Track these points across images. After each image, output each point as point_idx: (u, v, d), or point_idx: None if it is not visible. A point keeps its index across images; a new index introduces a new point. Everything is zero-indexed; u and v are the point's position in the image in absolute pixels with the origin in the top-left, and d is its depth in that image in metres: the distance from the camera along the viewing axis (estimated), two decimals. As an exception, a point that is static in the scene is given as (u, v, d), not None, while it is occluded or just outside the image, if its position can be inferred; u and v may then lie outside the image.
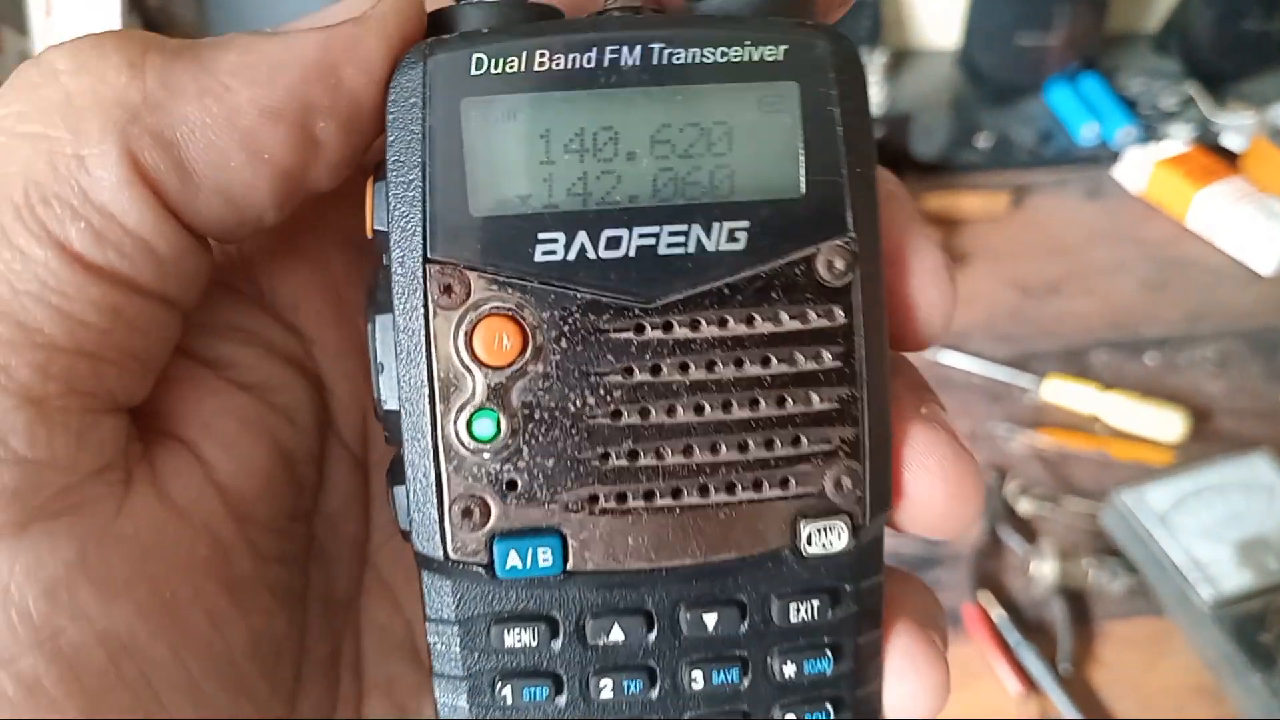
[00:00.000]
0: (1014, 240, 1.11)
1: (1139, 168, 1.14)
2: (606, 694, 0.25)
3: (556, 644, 0.25)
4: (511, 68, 0.24)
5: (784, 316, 0.25)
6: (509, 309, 0.24)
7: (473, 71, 0.24)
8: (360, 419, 0.29)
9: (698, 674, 0.26)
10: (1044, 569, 0.78)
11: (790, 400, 0.25)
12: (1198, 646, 0.75)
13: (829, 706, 0.26)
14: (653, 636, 0.25)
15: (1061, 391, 0.92)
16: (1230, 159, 1.15)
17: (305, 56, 0.23)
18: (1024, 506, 0.84)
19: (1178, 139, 1.17)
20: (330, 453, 0.29)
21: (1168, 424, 0.88)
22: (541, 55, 0.24)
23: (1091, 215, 1.14)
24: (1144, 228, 1.12)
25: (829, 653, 0.26)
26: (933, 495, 0.26)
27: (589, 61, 0.24)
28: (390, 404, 0.25)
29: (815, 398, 0.25)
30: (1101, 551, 0.80)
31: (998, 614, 0.77)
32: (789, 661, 0.26)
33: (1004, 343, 0.99)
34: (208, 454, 0.25)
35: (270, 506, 0.26)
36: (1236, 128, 1.17)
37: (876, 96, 1.16)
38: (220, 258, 0.27)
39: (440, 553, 0.24)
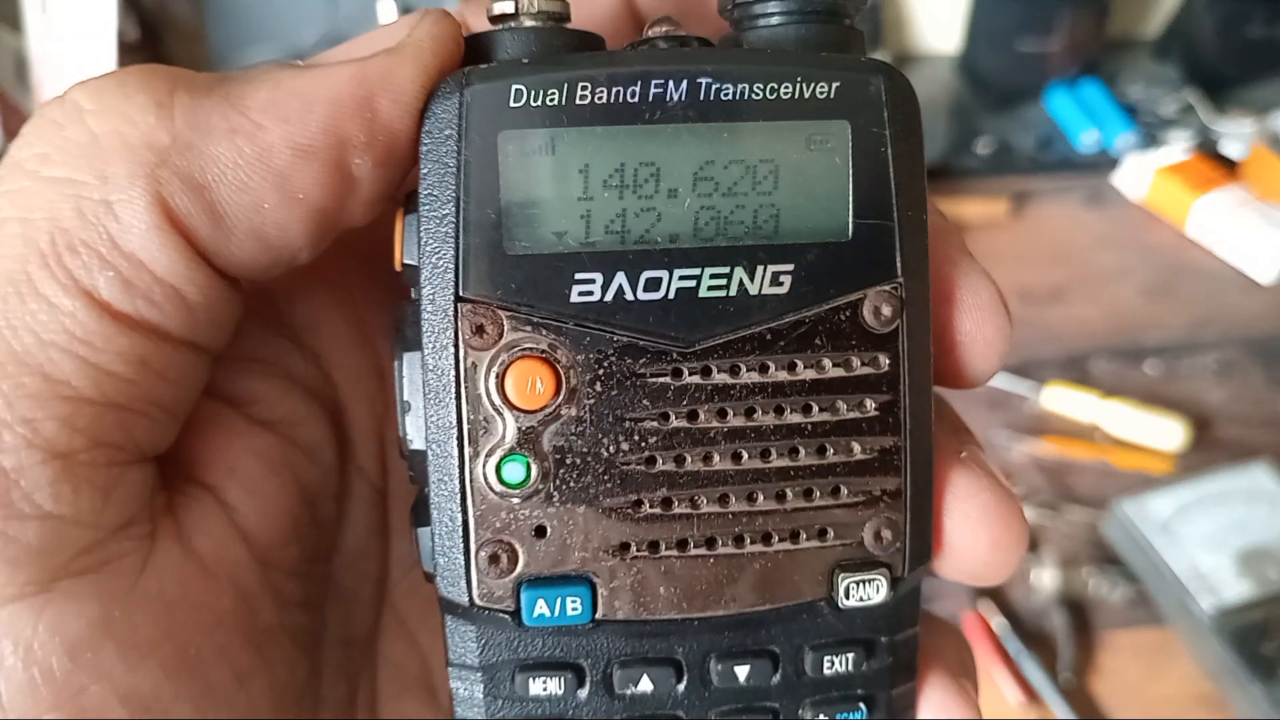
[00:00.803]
0: (1014, 247, 1.10)
1: (1139, 174, 1.14)
2: None
3: (583, 693, 0.24)
4: (552, 100, 0.23)
5: (827, 363, 0.24)
6: (543, 351, 0.23)
7: (511, 103, 0.23)
8: (379, 447, 0.28)
9: None
10: (1045, 578, 0.78)
11: (831, 449, 0.24)
12: (1199, 656, 0.74)
13: None
14: (682, 687, 0.24)
15: (1062, 399, 0.92)
16: (1230, 166, 1.14)
17: (339, 91, 0.22)
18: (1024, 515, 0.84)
19: (1177, 146, 1.17)
20: (351, 487, 0.28)
21: (1168, 432, 0.88)
22: (584, 88, 0.23)
23: (1091, 222, 1.14)
24: (1144, 235, 1.11)
25: (863, 706, 0.25)
26: (976, 543, 0.25)
27: (633, 96, 0.23)
28: (416, 444, 0.24)
29: (857, 447, 0.24)
30: (1102, 560, 0.80)
31: (998, 623, 0.77)
32: (822, 714, 0.25)
33: (1004, 349, 0.98)
34: (232, 499, 0.24)
35: (293, 550, 0.26)
36: (1236, 135, 1.17)
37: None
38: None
39: (466, 599, 0.24)
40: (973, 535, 0.25)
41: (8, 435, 0.20)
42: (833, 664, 0.25)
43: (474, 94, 0.23)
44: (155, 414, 0.22)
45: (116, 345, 0.21)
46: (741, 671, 0.24)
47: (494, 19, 0.24)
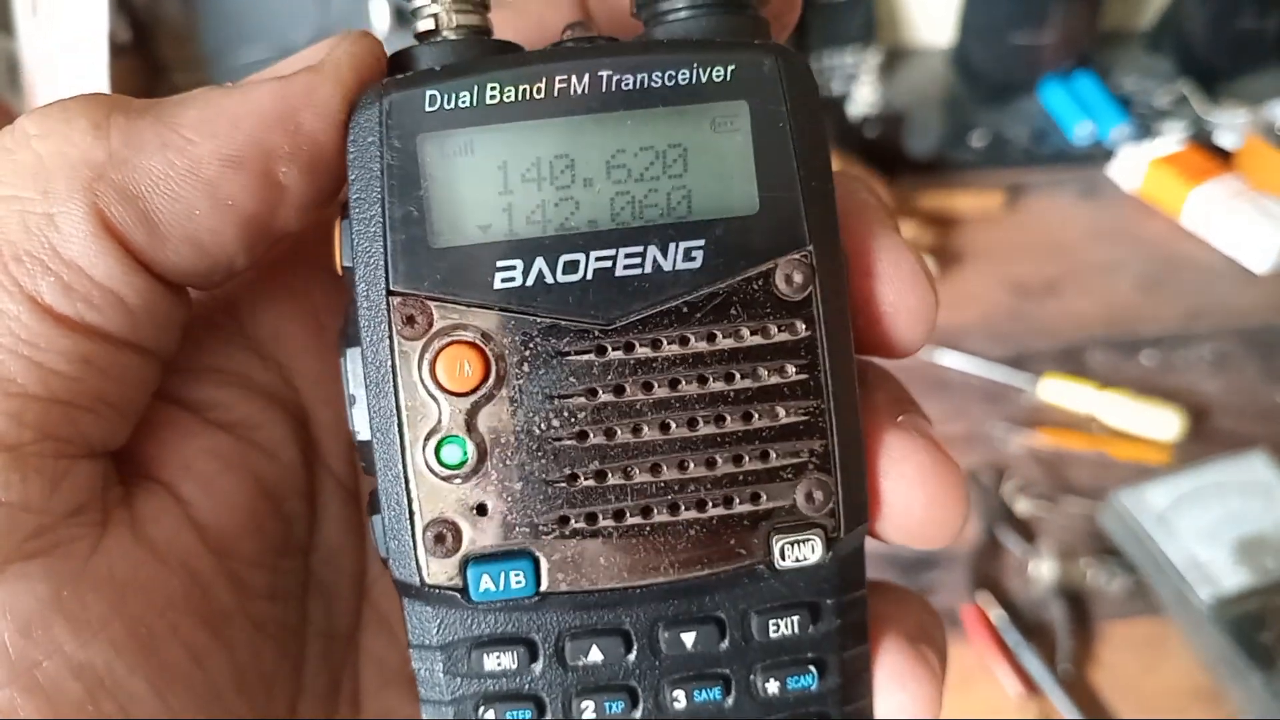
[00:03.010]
0: (1009, 239, 1.10)
1: (1133, 166, 1.14)
2: (589, 715, 0.25)
3: (537, 666, 0.25)
4: (464, 103, 0.24)
5: (745, 332, 0.25)
6: (470, 338, 0.24)
7: (427, 108, 0.24)
8: (348, 449, 0.29)
9: (680, 693, 0.26)
10: (1042, 569, 0.78)
11: (756, 415, 0.25)
12: (1197, 646, 0.74)
13: None
14: (632, 657, 0.25)
15: (1058, 391, 0.92)
16: (1224, 157, 1.14)
17: (263, 106, 0.23)
18: (1022, 507, 0.84)
19: (1171, 137, 1.17)
20: (321, 485, 0.29)
21: (1165, 423, 0.88)
22: (493, 89, 0.24)
23: (1086, 214, 1.14)
24: (1139, 226, 1.11)
25: (813, 668, 0.26)
26: (912, 503, 0.26)
27: (539, 92, 0.24)
28: (363, 435, 0.25)
29: (781, 411, 0.25)
30: (1100, 551, 0.80)
31: (997, 615, 0.77)
32: (772, 679, 0.26)
33: (1000, 342, 0.98)
34: (186, 494, 0.26)
35: (255, 543, 0.27)
36: (1230, 126, 1.17)
37: (870, 96, 1.16)
38: (202, 296, 0.28)
39: (416, 579, 0.25)
40: (909, 496, 0.26)
41: None
42: (778, 627, 0.25)
43: (392, 102, 0.24)
44: (102, 410, 0.24)
45: (60, 346, 0.22)
46: (689, 638, 0.25)
47: (418, 36, 0.26)
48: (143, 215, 0.23)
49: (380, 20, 0.97)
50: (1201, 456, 0.85)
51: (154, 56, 1.14)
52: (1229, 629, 0.72)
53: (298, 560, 0.28)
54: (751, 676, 0.26)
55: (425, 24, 0.25)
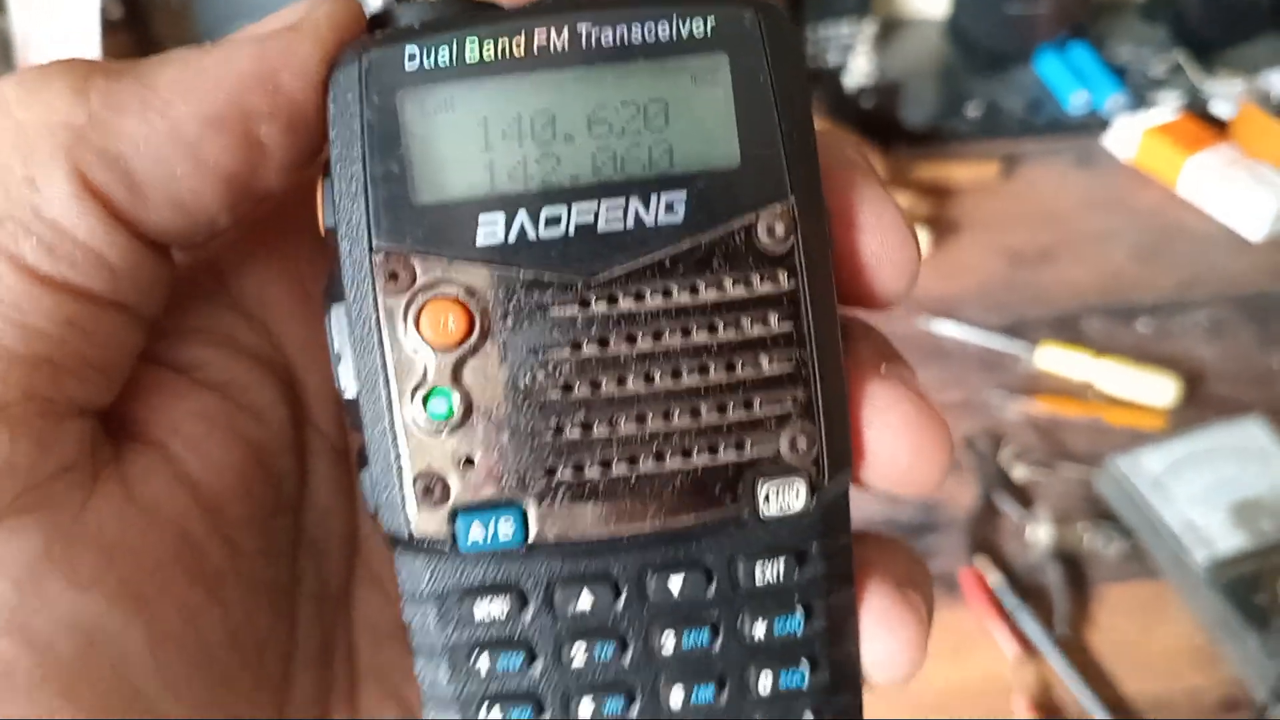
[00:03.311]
0: (1005, 209, 1.10)
1: (1128, 136, 1.14)
2: (579, 660, 0.26)
3: (527, 614, 0.25)
4: (444, 59, 0.24)
5: (727, 283, 0.25)
6: (453, 292, 0.24)
7: (407, 65, 0.24)
8: (336, 410, 0.29)
9: (668, 638, 0.26)
10: (1039, 534, 0.79)
11: (739, 365, 0.25)
12: (1193, 608, 0.75)
13: (805, 665, 0.26)
14: (620, 603, 0.25)
15: (1055, 359, 0.92)
16: (1219, 126, 1.15)
17: (242, 66, 0.23)
18: (1019, 472, 0.84)
19: (1167, 106, 1.17)
20: (310, 446, 0.29)
21: (1160, 389, 0.89)
22: (471, 44, 0.24)
23: (1082, 183, 1.14)
24: (1134, 195, 1.12)
25: (799, 612, 0.26)
26: (896, 450, 0.26)
27: (518, 48, 0.24)
28: (350, 392, 0.25)
29: (765, 361, 0.25)
30: (1096, 516, 0.81)
31: (994, 579, 0.77)
32: (759, 622, 0.26)
33: (996, 311, 0.99)
34: (176, 454, 0.26)
35: (246, 503, 0.27)
36: (1225, 95, 1.17)
37: (865, 67, 1.16)
38: (187, 259, 0.28)
39: (405, 531, 0.25)
40: (894, 443, 0.26)
41: None
42: (764, 573, 0.25)
43: (371, 59, 0.24)
44: (87, 371, 0.24)
45: (43, 306, 0.23)
46: (676, 584, 0.25)
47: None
48: (124, 176, 0.23)
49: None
50: (1197, 422, 0.85)
51: (147, 33, 1.14)
52: (1225, 591, 0.73)
53: (288, 520, 0.29)
54: (738, 621, 0.26)
55: None
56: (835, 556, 0.26)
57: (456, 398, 0.24)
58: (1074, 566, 0.79)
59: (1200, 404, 0.90)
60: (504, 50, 0.24)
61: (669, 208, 0.24)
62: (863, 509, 0.82)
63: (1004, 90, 1.22)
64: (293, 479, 0.29)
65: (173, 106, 0.23)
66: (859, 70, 1.15)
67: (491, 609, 0.25)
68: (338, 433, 0.30)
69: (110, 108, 0.23)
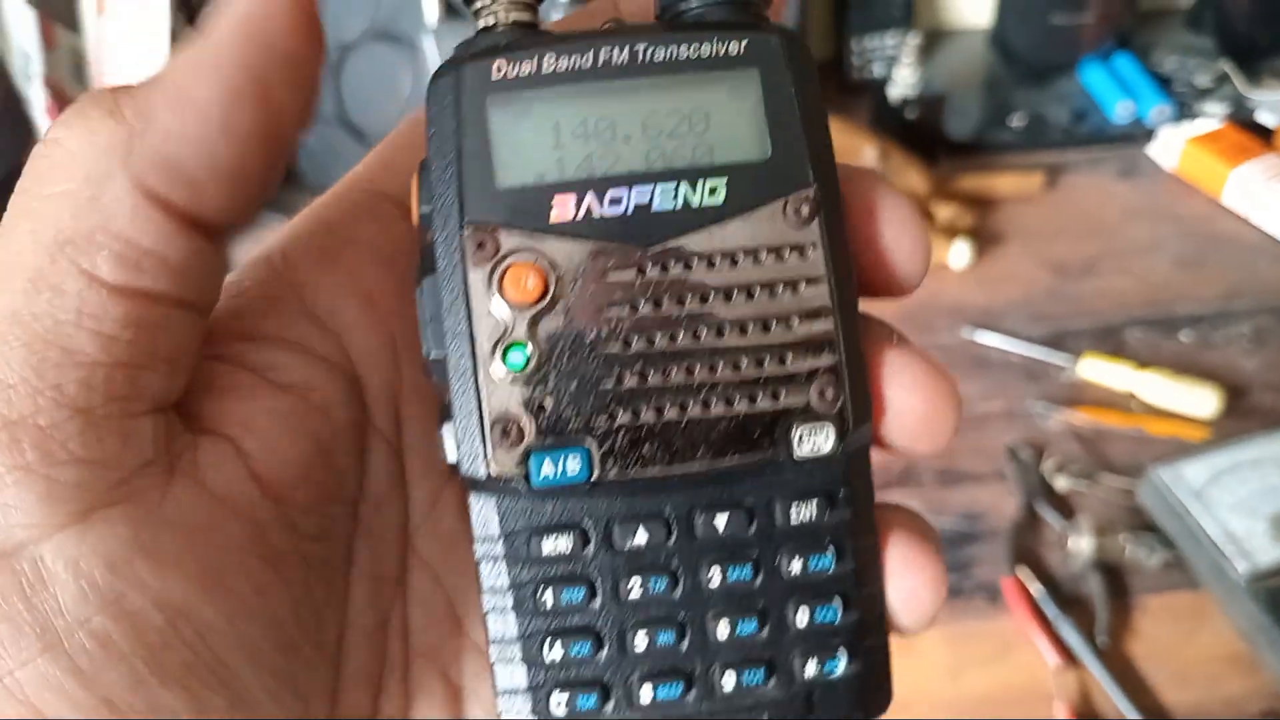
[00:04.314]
0: (1049, 220, 1.11)
1: (1173, 146, 1.15)
2: (635, 594, 0.29)
3: (589, 550, 0.29)
4: (524, 72, 0.29)
5: (762, 255, 0.29)
6: (530, 258, 0.28)
7: (494, 77, 0.29)
8: (393, 410, 0.32)
9: (715, 572, 0.29)
10: (1081, 544, 0.80)
11: (774, 326, 0.29)
12: (1233, 619, 0.76)
13: (838, 601, 0.30)
14: (672, 541, 0.29)
15: (1097, 370, 0.93)
16: (1265, 135, 1.15)
17: (237, 37, 0.26)
18: (1061, 483, 0.85)
19: (1212, 116, 1.17)
20: (370, 444, 0.32)
21: (1202, 400, 0.90)
22: (549, 60, 0.29)
23: (1126, 194, 1.15)
24: (1179, 206, 1.12)
25: (831, 551, 0.30)
26: (914, 405, 0.30)
27: (585, 63, 0.29)
28: (437, 352, 0.29)
29: (796, 323, 0.29)
30: (1138, 527, 0.82)
31: (1036, 588, 0.79)
32: (795, 559, 0.29)
33: (1039, 322, 1.00)
34: (247, 447, 0.28)
35: (307, 492, 0.30)
36: (1271, 104, 1.17)
37: (909, 78, 1.17)
38: (268, 273, 0.31)
39: (484, 472, 0.28)
40: (909, 398, 0.30)
41: (41, 399, 0.24)
42: (799, 513, 0.29)
43: (464, 71, 0.29)
44: (158, 366, 0.26)
45: (117, 313, 0.25)
46: (720, 522, 0.29)
47: (480, 31, 0.30)
48: (177, 173, 0.25)
49: (431, 13, 1.00)
50: (1239, 433, 0.86)
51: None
52: (1265, 602, 0.74)
53: (345, 508, 0.31)
54: (777, 558, 0.29)
55: (485, 20, 0.30)
56: (860, 502, 0.30)
57: (531, 350, 0.28)
58: (1115, 577, 0.80)
59: (1243, 415, 0.90)
60: (574, 64, 0.29)
61: (712, 191, 0.29)
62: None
63: (1048, 101, 1.23)
64: (352, 473, 0.31)
65: (196, 93, 0.25)
66: (903, 82, 1.17)
67: (557, 545, 0.29)
68: (394, 432, 0.32)
69: (143, 116, 0.25)
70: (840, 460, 0.29)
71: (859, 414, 0.29)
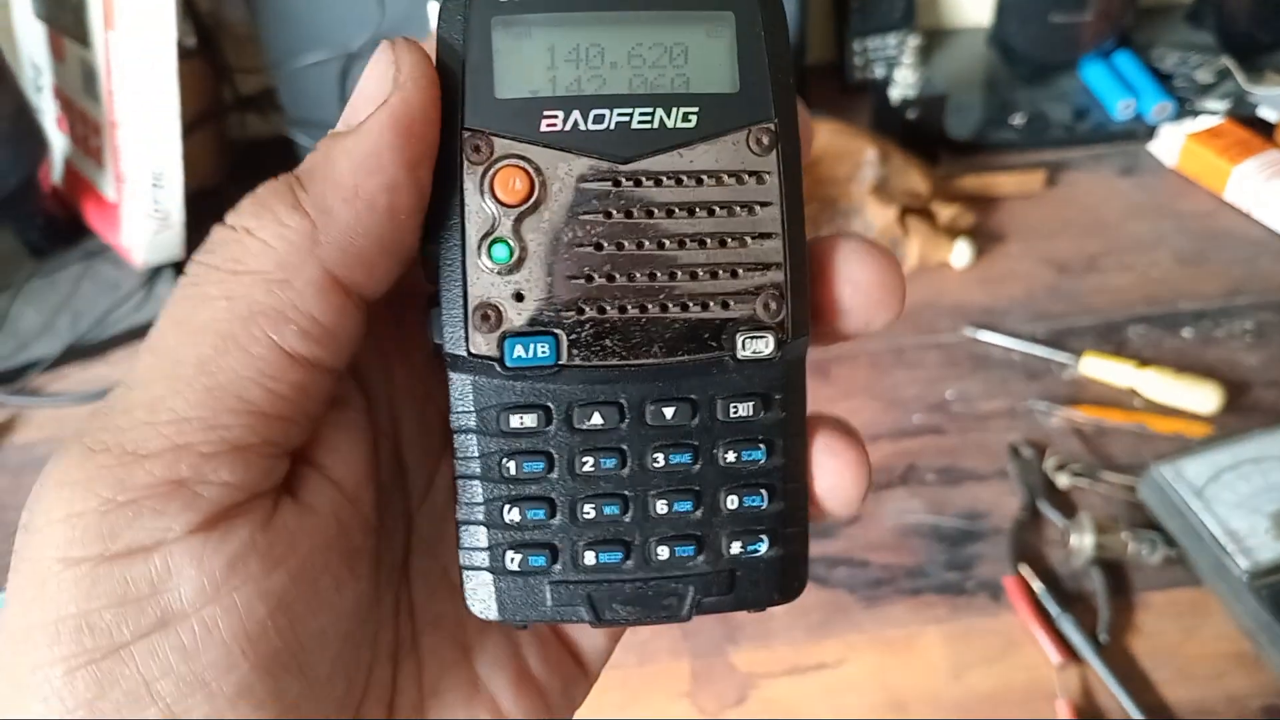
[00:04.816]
0: (1050, 218, 1.12)
1: (1174, 143, 1.15)
2: (587, 469, 0.33)
3: (550, 428, 0.33)
4: None
5: (724, 178, 0.33)
6: (519, 163, 0.32)
7: (500, 0, 0.32)
8: (390, 407, 0.36)
9: (659, 456, 0.33)
10: (1083, 542, 0.80)
11: (729, 242, 0.33)
12: (1235, 616, 0.77)
13: (764, 492, 0.33)
14: (625, 425, 0.33)
15: (1098, 368, 0.94)
16: (1266, 131, 1.15)
17: (390, 135, 0.30)
18: (1063, 481, 0.86)
19: (1214, 113, 1.18)
20: (379, 441, 0.36)
21: (1204, 397, 0.90)
22: None
23: (1127, 191, 1.15)
24: (1180, 202, 1.13)
25: (762, 446, 0.33)
26: (867, 277, 0.34)
27: None
28: (431, 247, 0.32)
29: (748, 241, 0.33)
30: (1139, 524, 0.82)
31: (1038, 586, 0.79)
32: (730, 450, 0.33)
33: (1041, 320, 1.01)
34: (325, 461, 0.33)
35: (372, 490, 0.34)
36: (1272, 100, 1.18)
37: (910, 78, 1.17)
38: None
39: (464, 350, 0.32)
40: (863, 270, 0.34)
41: (209, 434, 0.28)
42: (736, 410, 0.33)
43: None
44: (304, 421, 0.31)
45: (290, 378, 0.29)
46: (668, 412, 0.33)
47: None
48: (357, 260, 0.30)
49: (435, 21, 1.01)
50: (1241, 430, 0.86)
51: (218, 60, 1.19)
52: (1266, 599, 0.74)
53: (392, 503, 0.36)
54: (714, 448, 0.33)
55: None
56: (792, 407, 0.34)
57: (514, 245, 0.32)
58: (1117, 574, 0.80)
59: (1244, 411, 0.91)
60: None
61: (685, 117, 0.32)
62: (910, 516, 0.84)
63: (1049, 99, 1.23)
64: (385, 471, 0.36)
65: (363, 187, 0.30)
66: (904, 82, 1.17)
67: (523, 420, 0.32)
68: (392, 428, 0.37)
69: (322, 210, 0.29)
70: (779, 367, 0.33)
71: (798, 327, 0.33)
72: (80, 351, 1.02)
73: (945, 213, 1.07)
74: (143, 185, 1.01)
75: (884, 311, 0.34)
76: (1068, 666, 0.75)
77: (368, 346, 0.35)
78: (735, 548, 0.33)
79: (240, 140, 1.27)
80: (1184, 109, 1.19)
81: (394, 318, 0.35)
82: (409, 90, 0.30)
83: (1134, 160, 1.18)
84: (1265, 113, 1.17)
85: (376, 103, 0.30)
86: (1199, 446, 0.85)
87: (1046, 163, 1.17)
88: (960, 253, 1.05)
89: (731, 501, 0.33)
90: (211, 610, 0.28)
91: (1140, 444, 0.89)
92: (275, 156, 1.19)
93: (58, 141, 1.14)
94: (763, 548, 0.33)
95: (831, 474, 0.34)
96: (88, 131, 1.07)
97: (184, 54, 0.99)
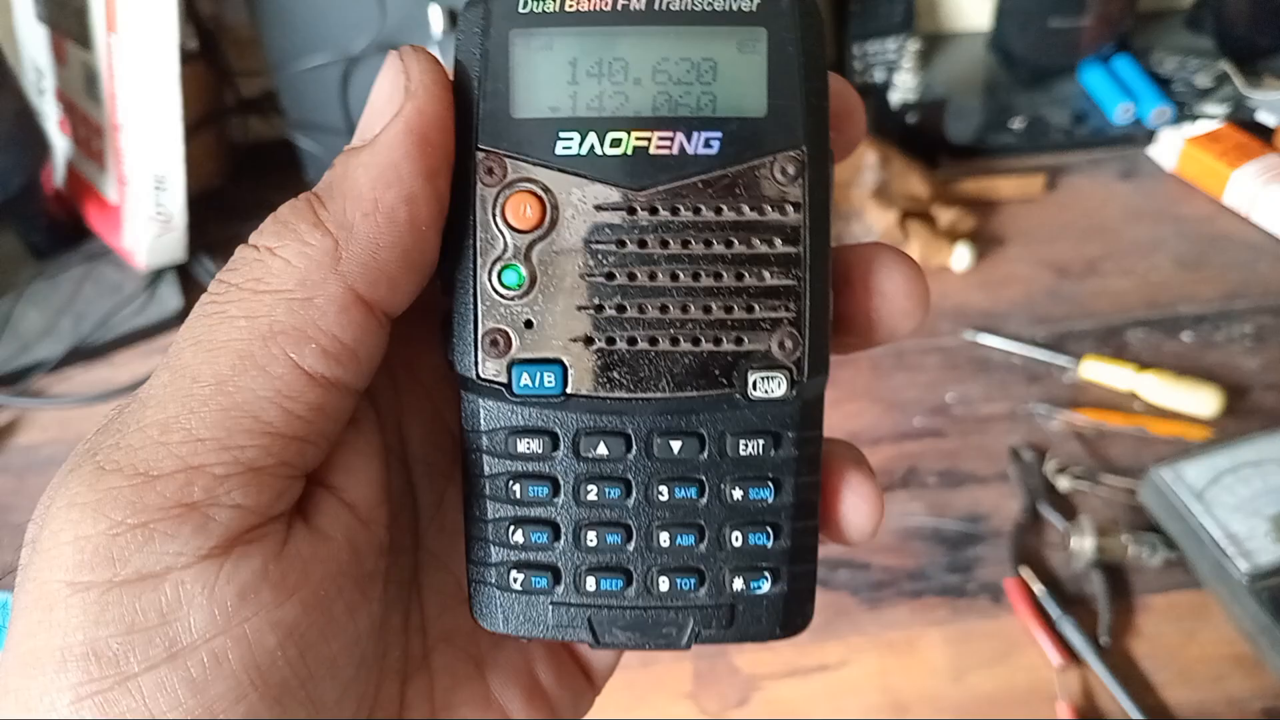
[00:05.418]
0: (1050, 221, 1.12)
1: (1173, 146, 1.15)
2: (592, 497, 0.32)
3: (557, 454, 0.32)
4: (549, 9, 0.31)
5: (745, 208, 0.31)
6: (533, 188, 0.31)
7: (520, 10, 0.31)
8: (398, 428, 0.36)
9: (664, 489, 0.32)
10: (1083, 544, 0.81)
11: (746, 275, 0.31)
12: (1235, 618, 0.77)
13: (769, 530, 0.32)
14: (631, 456, 0.32)
15: (1099, 371, 0.94)
16: (1265, 135, 1.15)
17: (407, 146, 0.29)
18: (1063, 484, 0.86)
19: (1212, 117, 1.18)
20: (389, 461, 0.35)
21: (1204, 401, 0.90)
22: (571, 1, 0.31)
23: (1127, 195, 1.15)
24: (1179, 206, 1.13)
25: (771, 485, 0.32)
26: (894, 285, 0.33)
27: (606, 5, 0.31)
28: (447, 266, 0.32)
29: (767, 275, 0.31)
30: (1139, 527, 0.82)
31: (1039, 588, 0.80)
32: (737, 488, 0.32)
33: (1041, 324, 1.01)
34: (341, 485, 0.32)
35: (385, 510, 0.33)
36: (1271, 104, 1.18)
37: (910, 83, 1.18)
38: None
39: (473, 373, 0.32)
40: (892, 279, 0.33)
41: (225, 455, 0.27)
42: (746, 447, 0.32)
43: (492, 4, 0.31)
44: (321, 442, 0.30)
45: (308, 398, 0.29)
46: (676, 446, 0.32)
47: None
48: (380, 275, 0.29)
49: (436, 25, 1.01)
50: (1240, 433, 0.86)
51: (220, 63, 1.19)
52: (1266, 601, 0.74)
53: (401, 523, 0.35)
54: (721, 484, 0.32)
55: None
56: (805, 447, 0.33)
57: (525, 272, 0.31)
58: (1117, 576, 0.80)
59: (1244, 415, 0.91)
60: (595, 5, 0.31)
61: (707, 143, 0.31)
62: (911, 519, 0.84)
63: (1048, 103, 1.23)
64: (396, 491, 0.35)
65: (383, 201, 0.29)
66: (904, 86, 1.17)
67: (530, 445, 0.32)
68: (401, 449, 0.36)
69: (344, 226, 0.29)
70: (793, 405, 0.32)
71: (815, 366, 0.32)
72: (83, 353, 1.02)
73: (945, 216, 1.07)
74: (145, 188, 1.01)
75: (909, 320, 0.34)
76: (1068, 668, 0.75)
77: (410, 386, 0.35)
78: (738, 584, 0.33)
79: (242, 143, 1.27)
80: (1183, 113, 1.20)
81: (403, 334, 0.34)
82: (421, 98, 0.30)
83: (1133, 164, 1.18)
84: (1264, 117, 1.18)
85: (389, 114, 0.30)
86: (1199, 450, 0.85)
87: (1046, 167, 1.17)
88: (960, 256, 1.06)
89: (736, 538, 0.32)
90: (221, 641, 0.27)
91: (1140, 447, 0.89)
92: (277, 159, 1.19)
93: (60, 144, 1.14)
94: (765, 585, 0.33)
95: (850, 508, 0.34)
96: (90, 134, 1.07)
97: (186, 57, 1.00)
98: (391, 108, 0.30)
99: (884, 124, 1.20)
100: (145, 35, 0.95)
